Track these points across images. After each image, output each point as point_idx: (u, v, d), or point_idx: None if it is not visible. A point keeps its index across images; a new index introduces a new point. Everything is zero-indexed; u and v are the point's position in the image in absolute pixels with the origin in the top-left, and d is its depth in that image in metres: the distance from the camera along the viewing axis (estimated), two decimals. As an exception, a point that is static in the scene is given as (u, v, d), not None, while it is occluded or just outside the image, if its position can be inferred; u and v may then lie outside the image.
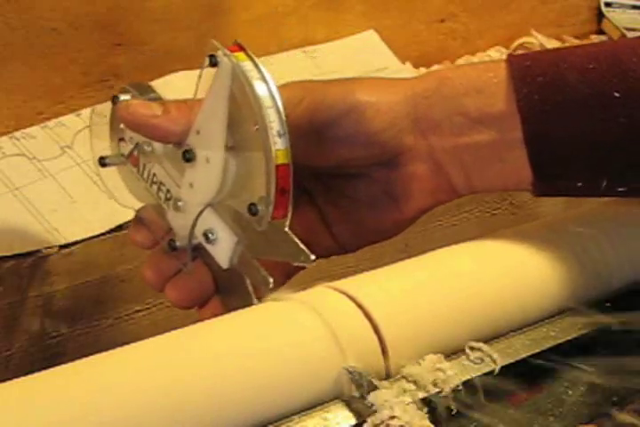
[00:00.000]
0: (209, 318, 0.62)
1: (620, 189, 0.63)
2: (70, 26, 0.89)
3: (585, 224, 0.66)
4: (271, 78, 0.57)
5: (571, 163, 0.62)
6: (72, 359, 0.52)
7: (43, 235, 0.81)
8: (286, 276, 0.66)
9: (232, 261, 0.61)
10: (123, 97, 0.65)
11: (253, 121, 0.56)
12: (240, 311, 0.57)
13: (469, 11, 1.14)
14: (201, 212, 0.61)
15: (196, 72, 0.94)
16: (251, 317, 0.56)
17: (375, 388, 0.52)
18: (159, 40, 0.94)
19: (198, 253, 0.63)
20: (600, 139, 0.62)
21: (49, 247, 0.81)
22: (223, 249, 0.61)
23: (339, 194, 0.66)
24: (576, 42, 1.18)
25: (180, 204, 0.63)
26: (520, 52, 1.15)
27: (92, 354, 0.52)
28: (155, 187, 0.65)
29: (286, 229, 0.57)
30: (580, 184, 0.63)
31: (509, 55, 0.65)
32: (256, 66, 0.57)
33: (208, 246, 0.62)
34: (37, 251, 0.80)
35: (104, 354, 0.52)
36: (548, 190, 0.64)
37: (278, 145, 0.56)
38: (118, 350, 0.52)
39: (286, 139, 0.56)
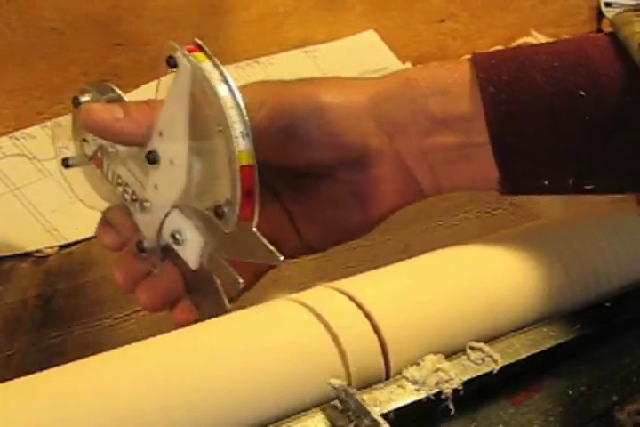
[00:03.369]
0: (180, 318, 0.63)
1: (587, 187, 0.63)
2: (70, 26, 0.89)
3: (583, 227, 0.66)
4: (231, 79, 0.55)
5: (537, 162, 0.62)
6: (72, 359, 0.52)
7: (43, 235, 0.81)
8: (256, 276, 0.66)
9: (201, 262, 0.60)
10: (83, 98, 0.64)
11: (216, 122, 0.55)
12: (240, 311, 0.57)
13: (469, 11, 1.14)
14: (167, 213, 0.60)
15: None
16: (250, 317, 0.56)
17: (373, 388, 0.52)
18: (159, 40, 0.94)
19: (167, 253, 0.62)
20: (566, 138, 0.61)
21: (49, 247, 0.81)
22: (192, 250, 0.60)
23: (304, 193, 0.65)
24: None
25: (146, 205, 0.62)
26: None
27: (92, 354, 0.52)
28: (120, 188, 0.64)
29: (254, 229, 0.56)
30: (546, 182, 0.62)
31: (474, 54, 0.64)
32: (216, 66, 0.55)
33: (177, 248, 0.61)
34: (37, 251, 0.80)
35: (104, 354, 0.52)
36: (515, 189, 0.64)
37: (241, 146, 0.54)
38: (118, 350, 0.52)
39: (250, 140, 0.54)
